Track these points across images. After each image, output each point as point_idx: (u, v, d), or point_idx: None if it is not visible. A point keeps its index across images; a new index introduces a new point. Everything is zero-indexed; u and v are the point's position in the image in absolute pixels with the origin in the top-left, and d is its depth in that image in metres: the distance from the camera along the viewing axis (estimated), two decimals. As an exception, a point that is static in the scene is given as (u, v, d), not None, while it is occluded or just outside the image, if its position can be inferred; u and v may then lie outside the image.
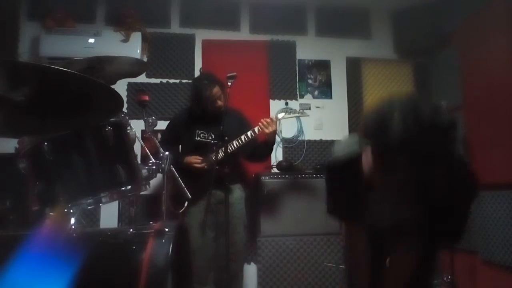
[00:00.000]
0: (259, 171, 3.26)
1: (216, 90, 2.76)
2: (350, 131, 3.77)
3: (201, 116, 2.86)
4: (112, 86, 1.38)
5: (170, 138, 2.95)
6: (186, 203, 2.61)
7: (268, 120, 2.74)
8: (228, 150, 2.67)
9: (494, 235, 2.83)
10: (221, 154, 2.61)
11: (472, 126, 3.12)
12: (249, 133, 2.75)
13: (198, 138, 2.85)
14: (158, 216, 2.46)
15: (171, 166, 1.90)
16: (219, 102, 2.79)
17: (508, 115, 2.71)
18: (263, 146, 2.88)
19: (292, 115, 3.05)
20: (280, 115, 2.91)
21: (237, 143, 2.74)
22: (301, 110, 3.49)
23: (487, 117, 2.92)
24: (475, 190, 1.32)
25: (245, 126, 2.86)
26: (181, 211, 2.60)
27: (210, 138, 2.82)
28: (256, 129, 2.76)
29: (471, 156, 3.11)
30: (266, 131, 2.72)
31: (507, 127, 2.71)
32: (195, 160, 2.76)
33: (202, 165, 2.73)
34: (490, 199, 2.88)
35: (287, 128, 3.69)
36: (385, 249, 1.51)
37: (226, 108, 2.71)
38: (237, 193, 2.87)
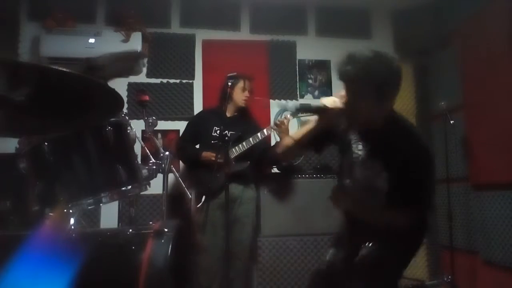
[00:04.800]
0: (260, 171, 3.26)
1: (248, 83, 2.92)
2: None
3: (220, 114, 2.95)
4: (112, 86, 1.38)
5: (189, 135, 3.01)
6: (204, 197, 2.65)
7: (281, 119, 2.79)
8: (239, 150, 2.77)
9: (494, 235, 2.82)
10: (236, 152, 2.75)
11: (472, 126, 3.12)
12: (265, 131, 2.80)
13: (215, 134, 2.90)
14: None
15: (171, 166, 1.90)
16: (248, 94, 2.93)
17: (508, 115, 2.71)
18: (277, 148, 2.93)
19: (304, 114, 3.04)
20: (288, 114, 2.95)
21: (252, 141, 2.80)
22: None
23: (487, 117, 2.92)
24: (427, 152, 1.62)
25: (258, 130, 2.91)
26: (198, 205, 2.63)
27: (226, 135, 2.86)
28: (269, 128, 2.82)
29: (471, 156, 3.11)
30: (279, 130, 2.77)
31: (507, 127, 2.71)
32: (214, 156, 2.76)
33: (219, 161, 2.74)
34: (490, 199, 2.88)
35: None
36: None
37: (247, 106, 2.95)
38: (249, 192, 2.91)
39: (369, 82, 1.49)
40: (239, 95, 2.91)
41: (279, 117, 2.89)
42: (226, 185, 2.40)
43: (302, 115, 3.03)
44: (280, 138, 2.91)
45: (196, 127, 3.02)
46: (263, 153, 2.97)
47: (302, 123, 3.66)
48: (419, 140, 1.64)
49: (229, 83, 2.87)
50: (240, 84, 2.91)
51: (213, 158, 2.75)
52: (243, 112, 3.00)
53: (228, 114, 2.94)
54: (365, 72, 1.48)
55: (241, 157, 2.81)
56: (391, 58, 1.56)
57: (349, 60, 1.52)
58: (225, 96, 2.94)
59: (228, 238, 2.43)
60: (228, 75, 2.94)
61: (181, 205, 2.71)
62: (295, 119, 3.62)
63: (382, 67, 1.51)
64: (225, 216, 2.46)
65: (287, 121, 2.81)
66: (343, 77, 1.56)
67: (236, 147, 2.78)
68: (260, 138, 2.80)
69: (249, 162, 2.84)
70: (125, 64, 1.92)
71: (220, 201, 2.71)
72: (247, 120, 3.00)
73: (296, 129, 3.67)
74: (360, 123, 1.68)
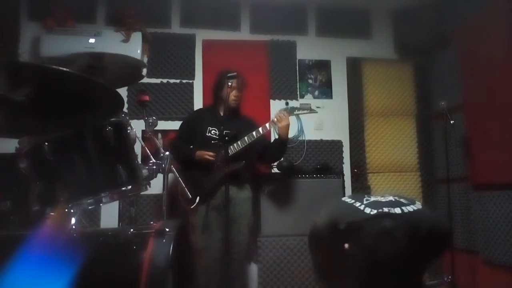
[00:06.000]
0: (260, 171, 3.26)
1: (237, 80, 2.79)
2: (350, 131, 3.77)
3: (214, 113, 2.93)
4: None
5: (184, 135, 2.98)
6: (198, 198, 2.63)
7: (281, 115, 2.76)
8: (234, 149, 2.71)
9: (494, 235, 2.83)
10: (232, 151, 2.68)
11: (472, 126, 3.12)
12: (260, 129, 2.75)
13: (209, 135, 2.87)
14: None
15: (171, 166, 1.90)
16: (237, 93, 2.86)
17: (508, 115, 2.71)
18: (277, 144, 2.91)
19: (301, 111, 3.02)
20: (287, 112, 2.93)
21: (247, 140, 2.74)
22: (308, 107, 3.35)
23: (487, 117, 2.92)
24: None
25: (253, 128, 2.85)
26: (192, 207, 2.61)
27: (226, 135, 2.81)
28: (267, 125, 2.77)
29: (471, 156, 3.11)
30: (279, 124, 2.74)
31: (507, 127, 2.71)
32: (208, 154, 2.74)
33: (215, 160, 2.71)
34: (490, 199, 2.88)
35: (287, 128, 3.69)
36: None
37: (239, 104, 2.89)
38: (245, 193, 2.87)
39: None
40: (229, 95, 2.77)
41: (279, 113, 2.80)
42: (226, 185, 2.38)
43: (299, 112, 3.02)
44: (279, 135, 2.88)
45: (190, 126, 2.99)
46: (263, 151, 2.94)
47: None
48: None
49: (220, 81, 2.87)
50: (235, 80, 2.73)
51: (207, 157, 2.73)
52: (236, 111, 2.96)
53: (221, 113, 2.89)
54: None
55: (236, 156, 2.73)
56: None
57: None
58: (217, 94, 2.92)
59: (227, 238, 2.42)
60: (219, 72, 2.92)
61: (180, 205, 2.71)
62: (294, 117, 3.63)
63: None
64: (225, 216, 2.43)
65: (285, 117, 2.76)
66: None
67: (231, 147, 2.71)
68: (255, 136, 2.74)
69: (244, 161, 2.78)
70: (125, 72, 1.90)
71: (215, 201, 2.70)
72: (241, 118, 2.97)
73: (297, 128, 3.68)
74: None
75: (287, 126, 2.79)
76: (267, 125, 2.78)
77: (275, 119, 2.77)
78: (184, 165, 2.85)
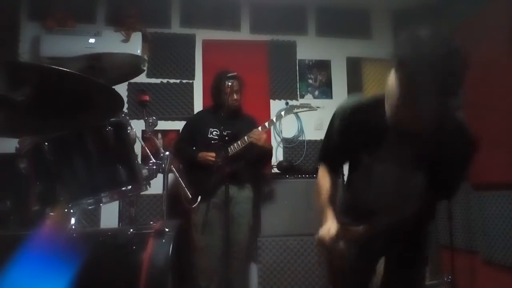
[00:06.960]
0: (260, 171, 3.26)
1: (234, 83, 2.79)
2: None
3: (216, 114, 2.93)
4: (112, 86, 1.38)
5: (187, 137, 3.00)
6: (200, 197, 2.64)
7: (254, 136, 2.76)
8: (234, 149, 2.74)
9: (494, 235, 2.82)
10: (232, 150, 2.71)
11: (472, 126, 3.11)
12: (260, 128, 2.80)
13: (211, 136, 2.89)
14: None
15: (171, 166, 1.90)
16: (235, 96, 2.87)
17: (508, 115, 2.71)
18: (262, 154, 2.93)
19: (301, 109, 3.03)
20: (283, 113, 2.95)
21: (247, 140, 2.76)
22: (308, 104, 3.30)
23: (487, 117, 2.92)
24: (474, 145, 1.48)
25: (254, 127, 2.87)
26: (194, 205, 2.62)
27: (225, 136, 2.82)
28: (266, 124, 2.82)
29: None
30: (259, 144, 2.76)
31: (507, 127, 2.71)
32: (210, 155, 2.77)
33: (216, 160, 2.73)
34: (490, 199, 2.88)
35: (288, 128, 3.70)
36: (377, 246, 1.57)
37: (239, 106, 2.91)
38: (246, 192, 2.89)
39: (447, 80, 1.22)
40: (229, 96, 2.79)
41: (253, 134, 2.80)
42: (226, 185, 2.40)
43: (299, 110, 3.03)
44: (263, 148, 2.84)
45: (193, 128, 3.02)
46: (254, 157, 2.91)
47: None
48: (469, 130, 1.55)
49: (218, 83, 2.88)
50: (234, 82, 2.76)
51: (210, 158, 2.75)
52: (236, 110, 2.97)
53: (222, 113, 2.91)
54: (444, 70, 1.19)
55: (237, 156, 2.76)
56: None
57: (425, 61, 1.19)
58: (217, 96, 2.93)
59: (227, 238, 2.43)
60: (218, 73, 2.93)
61: (181, 205, 2.72)
62: (294, 117, 3.63)
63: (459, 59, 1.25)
64: (224, 216, 2.45)
65: (260, 132, 2.78)
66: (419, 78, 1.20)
67: (232, 146, 2.74)
68: (240, 145, 2.77)
69: (243, 161, 2.81)
70: (126, 68, 1.91)
71: (216, 200, 2.71)
72: (242, 118, 2.99)
73: (296, 128, 3.69)
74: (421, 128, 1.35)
75: (265, 142, 2.82)
76: (266, 124, 2.81)
77: (253, 140, 2.74)
78: (187, 166, 2.87)
